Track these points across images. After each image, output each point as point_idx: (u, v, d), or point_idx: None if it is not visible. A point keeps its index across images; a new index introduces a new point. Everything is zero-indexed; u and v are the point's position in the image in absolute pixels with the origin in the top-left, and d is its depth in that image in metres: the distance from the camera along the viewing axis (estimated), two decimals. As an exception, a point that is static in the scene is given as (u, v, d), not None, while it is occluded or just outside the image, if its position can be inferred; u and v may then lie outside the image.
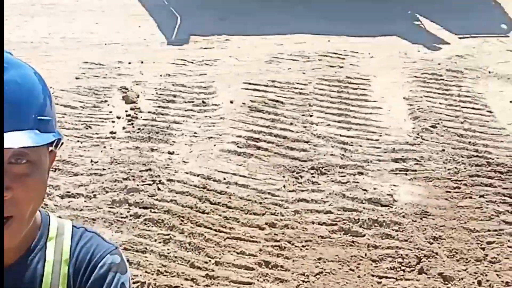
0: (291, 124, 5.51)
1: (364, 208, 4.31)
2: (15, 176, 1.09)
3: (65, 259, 1.24)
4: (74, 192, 4.35)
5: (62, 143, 1.22)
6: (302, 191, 4.55)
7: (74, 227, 1.30)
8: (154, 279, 3.54)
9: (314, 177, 4.73)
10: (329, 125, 5.51)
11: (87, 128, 5.24)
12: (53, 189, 4.31)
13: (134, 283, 3.46)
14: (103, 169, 4.65)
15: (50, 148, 1.19)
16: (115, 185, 4.45)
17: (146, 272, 3.60)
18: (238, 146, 5.11)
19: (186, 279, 3.57)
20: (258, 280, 3.58)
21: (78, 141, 5.02)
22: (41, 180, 1.15)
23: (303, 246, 3.92)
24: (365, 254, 3.82)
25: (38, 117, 1.12)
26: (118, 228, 4.00)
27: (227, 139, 5.21)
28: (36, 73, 1.19)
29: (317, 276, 3.65)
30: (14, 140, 1.06)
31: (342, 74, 6.51)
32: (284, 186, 4.60)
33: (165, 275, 3.60)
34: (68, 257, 1.24)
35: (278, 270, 3.69)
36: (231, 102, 5.85)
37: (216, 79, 6.34)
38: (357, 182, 4.64)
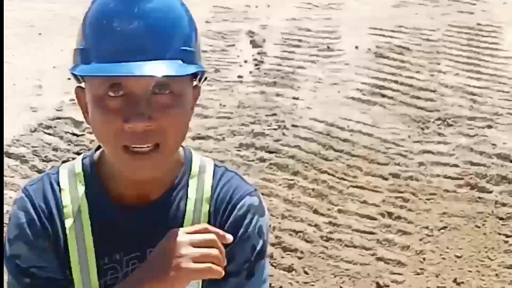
0: (418, 72, 5.38)
1: (492, 163, 4.19)
2: (159, 106, 1.08)
3: (206, 197, 1.24)
4: (204, 134, 4.52)
5: (206, 78, 1.20)
6: (428, 142, 4.49)
7: (215, 165, 1.29)
8: (279, 223, 3.65)
9: (440, 128, 4.64)
10: (457, 74, 5.33)
11: (216, 72, 5.40)
12: (185, 131, 4.51)
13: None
14: (231, 113, 4.80)
15: (194, 83, 1.18)
16: (242, 128, 4.58)
17: (271, 215, 3.71)
18: (362, 94, 5.08)
19: (310, 225, 3.65)
20: (381, 231, 3.63)
21: (208, 84, 5.19)
22: (184, 112, 1.13)
23: (427, 199, 3.90)
24: (492, 211, 3.74)
25: (182, 48, 1.10)
26: (245, 171, 4.14)
27: (351, 86, 5.19)
28: (182, 4, 1.15)
29: (441, 231, 3.63)
30: (157, 69, 1.05)
31: (472, 21, 6.23)
32: (409, 137, 4.56)
33: (289, 219, 3.70)
34: (209, 195, 1.24)
35: (401, 221, 3.71)
36: (356, 47, 5.78)
37: (342, 23, 6.26)
38: (486, 136, 4.50)
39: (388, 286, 3.22)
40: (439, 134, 4.58)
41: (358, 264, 3.37)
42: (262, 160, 4.24)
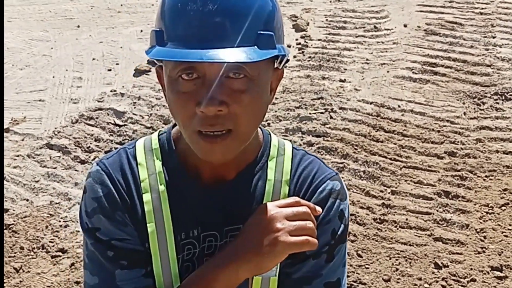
0: (472, 47, 5.12)
1: (556, 136, 3.93)
2: (231, 91, 1.05)
3: (286, 179, 1.22)
4: (249, 120, 4.41)
5: (288, 60, 1.14)
6: (485, 118, 4.24)
7: (294, 148, 1.27)
8: (329, 207, 3.51)
9: (498, 103, 4.38)
10: (514, 46, 5.05)
11: (259, 58, 5.26)
12: (230, 118, 4.40)
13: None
14: (276, 98, 4.66)
15: (275, 65, 1.12)
16: (288, 113, 4.45)
17: (321, 199, 3.58)
18: (413, 72, 4.87)
19: (362, 207, 3.50)
20: (437, 211, 3.43)
21: (250, 70, 5.07)
22: (259, 97, 1.09)
23: (486, 176, 3.67)
24: (558, 186, 3.50)
25: (259, 32, 1.05)
26: (292, 156, 4.00)
27: (401, 65, 4.97)
28: None
29: (503, 208, 3.41)
30: (229, 55, 1.01)
31: (529, -10, 5.91)
32: (464, 113, 4.32)
33: (340, 203, 3.56)
34: (288, 177, 1.22)
35: (459, 200, 3.50)
36: (405, 26, 5.55)
37: (388, 2, 6.04)
38: (548, 108, 4.24)
39: (447, 266, 3.02)
40: (497, 109, 4.32)
41: (414, 245, 3.18)
42: (309, 144, 4.09)
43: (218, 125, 1.06)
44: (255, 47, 1.04)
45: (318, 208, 1.12)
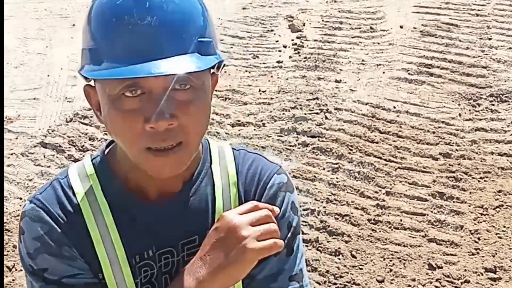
0: (467, 48, 5.12)
1: (550, 138, 3.93)
2: (179, 103, 1.03)
3: (233, 181, 1.21)
4: (244, 120, 4.40)
5: (224, 65, 1.13)
6: (480, 120, 4.24)
7: (234, 149, 1.26)
8: (324, 207, 3.51)
9: (493, 105, 4.38)
10: (510, 48, 5.05)
11: (254, 58, 5.27)
12: (224, 118, 4.40)
13: (303, 210, 3.46)
14: (271, 98, 4.66)
15: (212, 71, 1.11)
16: (283, 114, 4.44)
17: (315, 199, 3.58)
18: (409, 73, 4.86)
19: (356, 208, 3.50)
20: (432, 212, 3.42)
21: (246, 70, 5.06)
22: (205, 105, 1.08)
23: (481, 177, 3.67)
24: (552, 188, 3.50)
25: (199, 39, 1.03)
26: (287, 156, 4.00)
27: (397, 66, 4.97)
28: None
29: (497, 209, 3.41)
30: (177, 66, 0.99)
31: (525, -8, 5.91)
32: (459, 115, 4.32)
33: (334, 203, 3.56)
34: (235, 179, 1.21)
35: (453, 202, 3.50)
36: (401, 27, 5.56)
37: (385, 3, 6.04)
38: (543, 110, 4.24)
39: (441, 267, 3.02)
40: (492, 110, 4.32)
41: (408, 246, 3.17)
42: (304, 145, 4.08)
43: (170, 139, 1.03)
44: (196, 54, 1.02)
45: (276, 209, 1.12)
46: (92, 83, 1.10)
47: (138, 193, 1.16)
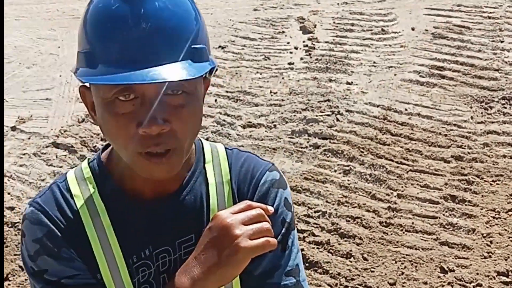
0: (479, 51, 5.10)
1: None
2: (172, 108, 1.04)
3: (226, 180, 1.23)
4: (255, 122, 4.41)
5: (216, 70, 1.14)
6: (492, 122, 4.23)
7: (226, 149, 1.28)
8: (335, 209, 3.51)
9: (505, 107, 4.36)
10: (523, 51, 5.04)
11: (266, 59, 5.27)
12: (235, 119, 4.40)
13: (315, 212, 3.46)
14: (282, 100, 4.66)
15: (205, 75, 1.11)
16: (294, 115, 4.44)
17: (326, 201, 3.58)
18: (420, 76, 4.85)
19: (368, 211, 3.49)
20: (443, 215, 3.41)
21: (257, 72, 5.07)
22: (198, 110, 1.10)
23: (493, 180, 3.66)
24: None
25: (192, 46, 1.04)
26: (298, 158, 4.00)
27: (408, 68, 4.96)
28: None
29: (509, 213, 3.39)
30: (171, 73, 1.00)
31: (538, -5, 5.89)
32: (471, 118, 4.31)
33: (346, 206, 3.55)
34: (228, 177, 1.23)
35: (465, 205, 3.48)
36: (413, 29, 5.54)
37: (396, 5, 6.03)
38: (556, 113, 4.22)
39: (453, 270, 3.01)
40: (504, 113, 4.30)
41: (420, 249, 3.17)
42: (315, 146, 4.08)
43: (163, 144, 1.05)
44: (189, 61, 1.03)
45: (270, 208, 1.12)
46: (87, 84, 1.11)
47: (133, 193, 1.18)
